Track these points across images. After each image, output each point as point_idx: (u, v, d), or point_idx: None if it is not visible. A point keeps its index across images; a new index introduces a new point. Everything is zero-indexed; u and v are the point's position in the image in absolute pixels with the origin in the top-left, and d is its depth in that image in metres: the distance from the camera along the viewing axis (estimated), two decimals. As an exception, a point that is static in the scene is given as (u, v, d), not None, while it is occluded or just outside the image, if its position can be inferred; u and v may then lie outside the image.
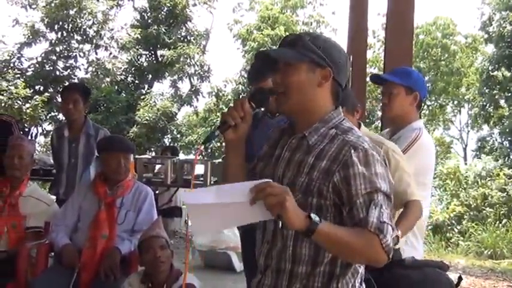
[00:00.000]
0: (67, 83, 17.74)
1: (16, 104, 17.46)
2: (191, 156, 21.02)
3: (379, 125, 8.05)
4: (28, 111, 17.60)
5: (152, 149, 22.15)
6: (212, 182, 7.34)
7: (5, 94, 17.50)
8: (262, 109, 4.67)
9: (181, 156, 18.13)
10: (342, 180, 2.39)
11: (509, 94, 24.35)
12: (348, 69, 2.65)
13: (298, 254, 2.49)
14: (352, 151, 2.40)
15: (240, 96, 24.23)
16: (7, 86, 17.83)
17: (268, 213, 2.21)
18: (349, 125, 2.58)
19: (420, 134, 4.22)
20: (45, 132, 20.40)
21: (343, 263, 2.48)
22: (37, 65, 20.91)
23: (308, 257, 2.48)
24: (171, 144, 21.60)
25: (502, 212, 15.61)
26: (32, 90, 19.02)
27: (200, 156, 23.85)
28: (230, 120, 2.60)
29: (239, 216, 2.30)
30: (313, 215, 2.22)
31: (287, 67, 2.53)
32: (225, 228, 2.27)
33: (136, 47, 22.61)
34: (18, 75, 19.18)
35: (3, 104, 17.05)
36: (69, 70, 21.38)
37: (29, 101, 17.97)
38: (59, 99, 7.12)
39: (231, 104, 2.61)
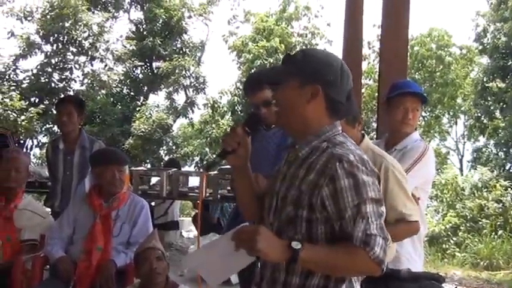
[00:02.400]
0: (62, 95, 17.70)
1: (11, 116, 17.41)
2: (186, 168, 21.02)
3: (374, 136, 8.03)
4: (23, 123, 17.55)
5: (148, 161, 22.13)
6: (207, 194, 7.33)
7: (0, 107, 17.46)
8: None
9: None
10: (330, 195, 2.43)
11: (504, 105, 24.33)
12: (345, 84, 2.64)
13: (292, 265, 2.51)
14: (337, 163, 2.44)
15: (236, 108, 24.26)
16: (2, 99, 17.78)
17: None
18: (342, 139, 2.60)
19: (428, 146, 4.27)
20: (40, 144, 20.36)
21: (337, 277, 2.50)
22: (32, 77, 20.83)
23: (302, 268, 2.49)
24: (172, 157, 21.55)
25: (498, 223, 15.57)
26: (27, 103, 18.95)
27: (196, 168, 23.76)
28: (227, 147, 2.75)
29: (237, 261, 2.55)
30: (294, 244, 2.33)
31: (279, 85, 2.65)
32: (234, 273, 2.66)
33: (132, 59, 22.60)
34: (14, 88, 19.12)
35: (-2, 116, 17.03)
36: (64, 82, 21.32)
37: (24, 113, 17.91)
38: (55, 112, 7.12)
39: (227, 131, 2.78)
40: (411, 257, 4.02)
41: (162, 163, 20.12)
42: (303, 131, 2.62)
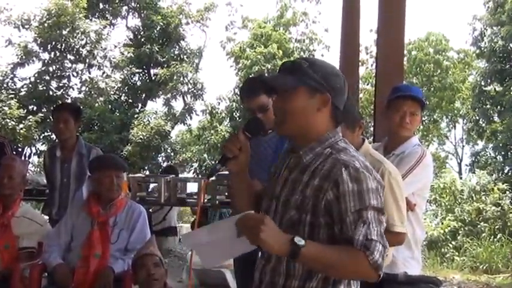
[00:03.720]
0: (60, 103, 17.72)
1: (10, 124, 17.43)
2: (185, 175, 21.02)
3: (372, 141, 8.04)
4: (22, 131, 17.56)
5: (146, 168, 22.12)
6: (205, 200, 7.33)
7: (-1, 115, 17.50)
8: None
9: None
10: (333, 199, 2.44)
11: (502, 109, 24.37)
12: (346, 91, 2.70)
13: (292, 269, 2.54)
14: (343, 169, 2.46)
15: (234, 114, 24.28)
16: (1, 107, 17.80)
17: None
18: (344, 145, 2.63)
19: (425, 151, 4.26)
20: (38, 152, 20.34)
21: (335, 280, 2.52)
22: (30, 85, 20.85)
23: (302, 272, 2.52)
24: (169, 163, 21.53)
25: (496, 227, 15.58)
26: (25, 111, 18.97)
27: (195, 174, 23.62)
28: (228, 153, 2.73)
29: (236, 247, 2.47)
30: (297, 239, 2.31)
31: (285, 93, 2.60)
32: (231, 258, 2.54)
33: (130, 66, 22.64)
34: (12, 96, 19.12)
35: (-4, 124, 17.06)
36: (62, 90, 21.33)
37: (23, 122, 17.93)
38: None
39: (227, 138, 2.74)
40: (408, 261, 4.02)
41: (160, 170, 20.12)
42: (306, 137, 2.63)
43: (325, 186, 2.47)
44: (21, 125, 17.80)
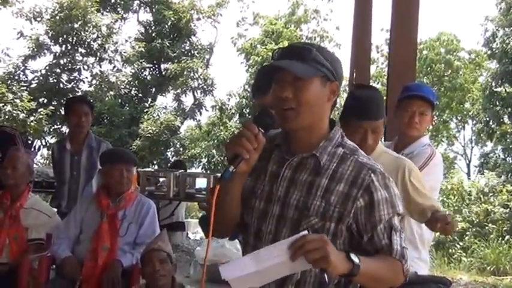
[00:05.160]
0: (71, 96, 17.69)
1: (21, 116, 17.44)
2: (193, 170, 21.02)
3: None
4: (32, 124, 17.58)
5: (155, 163, 22.15)
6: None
7: (10, 106, 17.50)
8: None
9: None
10: (364, 206, 2.35)
11: (512, 110, 24.33)
12: None
13: (303, 277, 2.40)
14: (372, 174, 2.36)
15: (244, 110, 24.21)
16: (13, 99, 17.82)
17: (308, 264, 2.15)
18: (352, 143, 2.51)
19: (435, 151, 4.22)
20: (48, 144, 20.40)
21: (346, 283, 2.43)
22: (41, 78, 20.93)
23: (314, 279, 2.40)
24: (178, 158, 21.55)
25: (504, 229, 15.55)
26: (35, 103, 19.01)
27: (203, 169, 23.61)
28: (244, 154, 2.30)
29: (279, 271, 2.24)
30: (352, 256, 2.18)
31: (299, 81, 2.34)
32: (264, 282, 2.23)
33: (140, 61, 22.68)
34: (24, 88, 19.16)
35: (7, 116, 17.07)
36: (73, 83, 21.41)
37: (34, 114, 17.95)
38: (63, 112, 7.08)
39: (241, 134, 2.34)
40: (415, 262, 3.98)
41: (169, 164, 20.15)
42: (310, 132, 2.43)
43: (354, 193, 2.34)
44: (31, 118, 17.81)
